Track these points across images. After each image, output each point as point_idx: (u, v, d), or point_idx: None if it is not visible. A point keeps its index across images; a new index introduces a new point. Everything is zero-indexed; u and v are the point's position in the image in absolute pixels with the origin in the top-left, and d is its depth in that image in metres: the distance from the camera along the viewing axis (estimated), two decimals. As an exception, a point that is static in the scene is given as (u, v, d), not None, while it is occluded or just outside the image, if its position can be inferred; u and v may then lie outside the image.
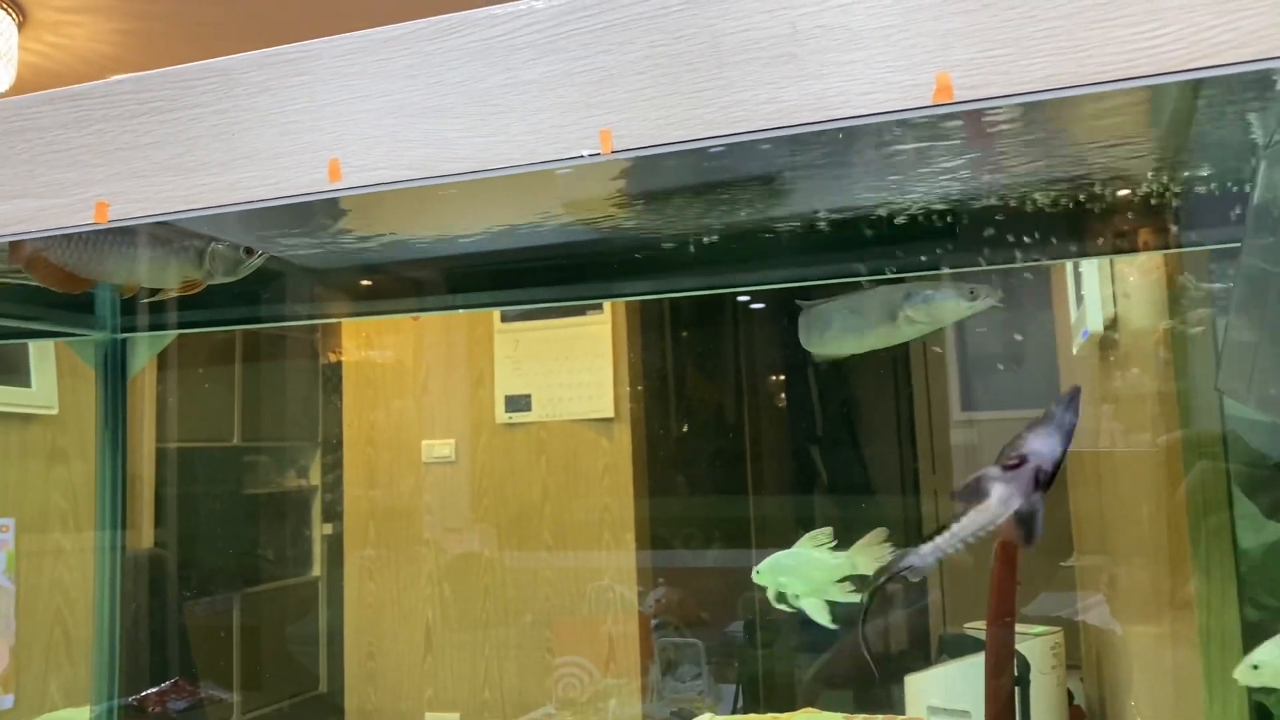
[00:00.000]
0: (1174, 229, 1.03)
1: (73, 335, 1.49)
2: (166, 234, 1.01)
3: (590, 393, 2.73)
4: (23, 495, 2.24)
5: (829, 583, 1.01)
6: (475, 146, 0.64)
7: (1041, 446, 0.77)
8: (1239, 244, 0.91)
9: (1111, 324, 1.47)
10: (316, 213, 0.95)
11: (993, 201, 1.00)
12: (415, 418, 2.89)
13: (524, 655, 2.73)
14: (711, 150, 0.61)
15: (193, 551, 3.63)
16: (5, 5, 2.76)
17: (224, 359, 3.94)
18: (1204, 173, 0.95)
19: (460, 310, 2.07)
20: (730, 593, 2.77)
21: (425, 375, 2.90)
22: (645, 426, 2.78)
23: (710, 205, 1.01)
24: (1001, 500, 0.77)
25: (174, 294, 1.06)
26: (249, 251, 1.05)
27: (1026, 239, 1.03)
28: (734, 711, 2.63)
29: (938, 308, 0.96)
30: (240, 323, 1.62)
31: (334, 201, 0.75)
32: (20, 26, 2.88)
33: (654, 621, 2.69)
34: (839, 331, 1.05)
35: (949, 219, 1.02)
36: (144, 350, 1.51)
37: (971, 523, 0.77)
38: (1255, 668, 0.78)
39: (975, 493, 0.78)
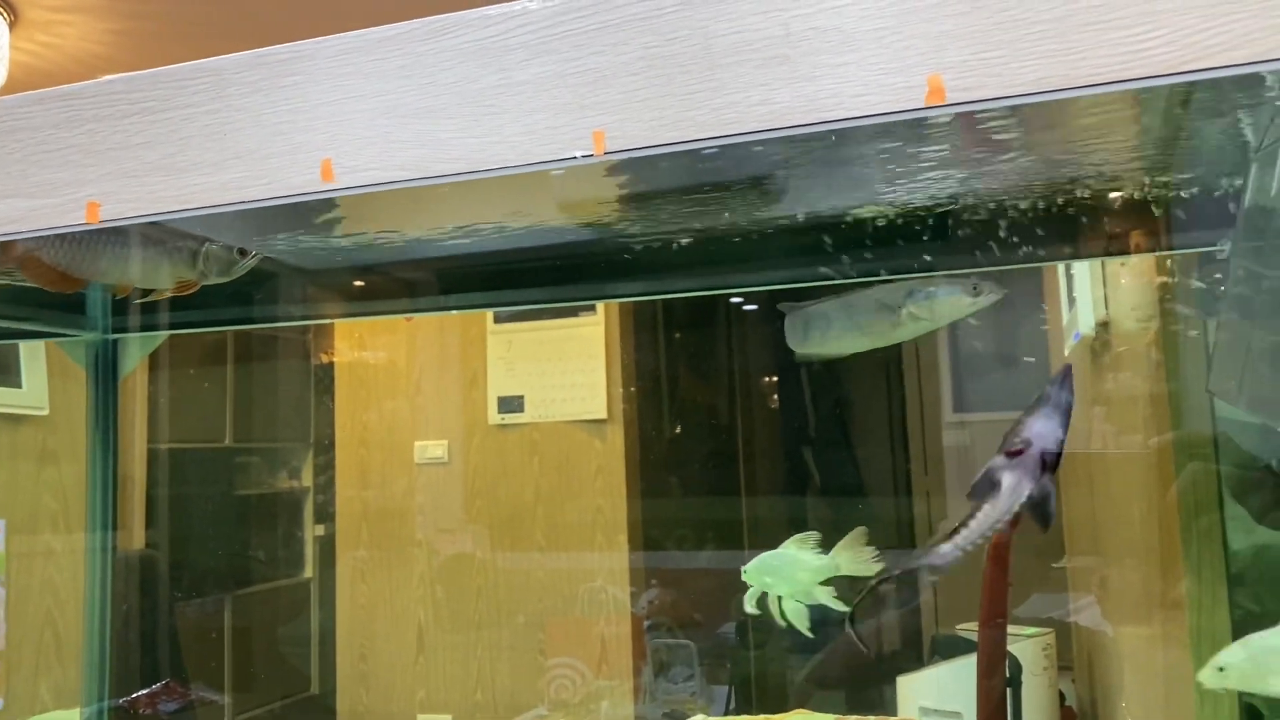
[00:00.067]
0: (1165, 231, 1.03)
1: (63, 336, 1.48)
2: (160, 234, 1.01)
3: (583, 394, 2.73)
4: (13, 496, 2.23)
5: (813, 584, 1.01)
6: (468, 147, 0.64)
7: (1043, 429, 0.78)
8: (1230, 246, 0.91)
9: (1103, 326, 1.47)
10: (310, 213, 0.95)
11: (983, 204, 1.00)
12: (408, 419, 2.89)
13: (516, 656, 2.73)
14: (704, 152, 0.61)
15: (184, 552, 3.62)
16: (-3, 4, 2.75)
17: (216, 359, 3.93)
18: (1195, 175, 0.95)
19: (453, 311, 2.07)
20: (723, 594, 2.77)
21: (418, 376, 2.89)
22: (638, 428, 2.78)
23: (703, 206, 1.01)
24: (1012, 488, 0.77)
25: (168, 294, 1.06)
26: (243, 252, 1.05)
27: (1017, 241, 1.03)
28: (726, 713, 2.63)
29: (941, 304, 0.96)
30: (232, 323, 1.62)
31: (328, 202, 0.74)
32: (11, 26, 2.87)
33: (646, 623, 2.69)
34: (837, 331, 1.04)
35: (939, 221, 1.02)
36: (135, 351, 1.51)
37: (987, 516, 0.77)
38: (1220, 670, 0.78)
39: (989, 486, 0.78)
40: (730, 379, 3.58)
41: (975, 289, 0.95)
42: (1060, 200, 0.99)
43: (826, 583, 1.02)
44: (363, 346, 3.00)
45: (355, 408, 2.95)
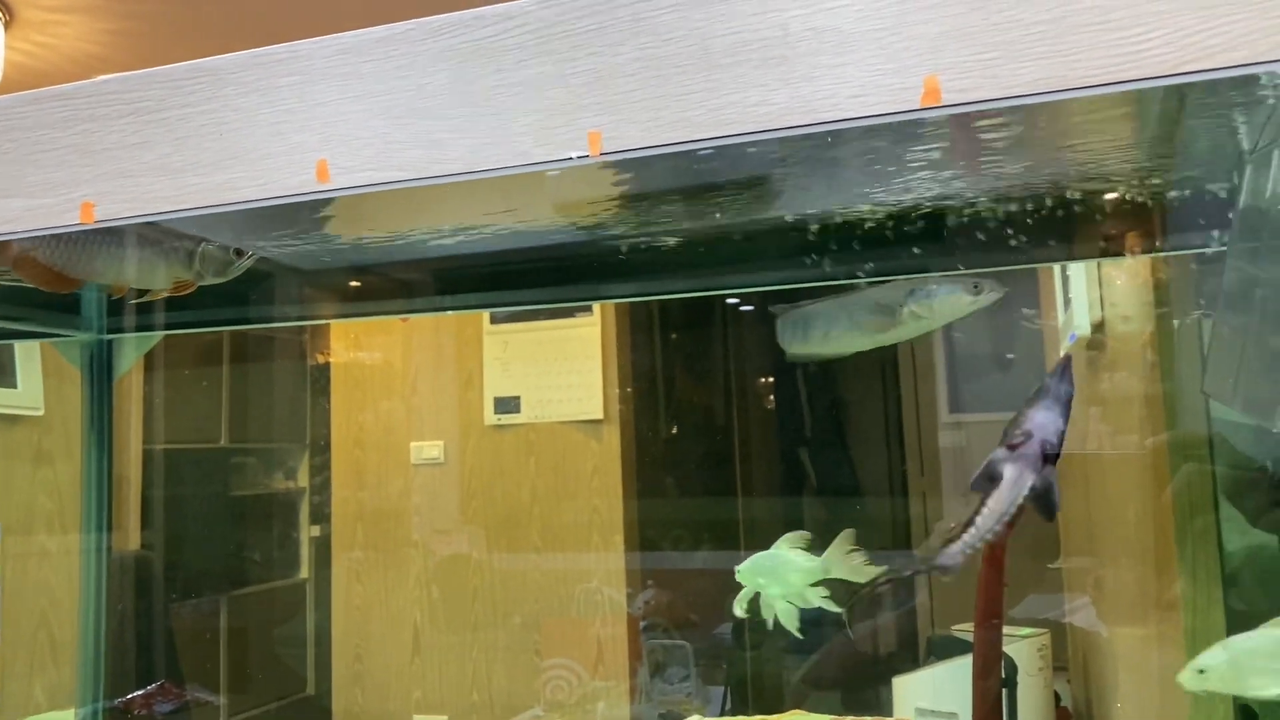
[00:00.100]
0: (1160, 233, 1.04)
1: (58, 336, 1.48)
2: (156, 235, 1.01)
3: (579, 394, 2.73)
4: (8, 497, 2.23)
5: (804, 586, 1.01)
6: (464, 148, 0.64)
7: (1044, 420, 0.78)
8: (1225, 248, 0.91)
9: (1099, 327, 1.47)
10: (308, 213, 0.94)
11: (977, 205, 1.00)
12: (404, 419, 2.89)
13: (512, 657, 2.73)
14: (701, 153, 0.61)
15: (180, 553, 3.61)
16: (-8, 4, 2.75)
17: (212, 360, 3.92)
18: (1191, 177, 0.95)
19: (449, 312, 2.07)
20: (719, 594, 2.77)
21: (414, 376, 2.89)
22: (634, 428, 2.78)
23: (700, 207, 1.01)
24: (1014, 481, 0.77)
25: (164, 295, 1.06)
26: (239, 253, 1.05)
27: (1012, 242, 1.03)
28: (722, 713, 2.63)
29: (942, 302, 0.96)
30: (227, 324, 1.61)
31: (323, 201, 0.74)
32: (7, 26, 2.87)
33: (642, 623, 2.69)
34: (834, 331, 1.04)
35: (933, 222, 1.03)
36: (130, 351, 1.50)
37: (992, 511, 0.77)
38: (1201, 672, 0.78)
39: (990, 479, 0.78)
40: (727, 380, 3.58)
41: (976, 287, 0.95)
42: (1054, 201, 1.00)
43: (820, 584, 1.02)
44: (359, 347, 3.00)
45: (351, 408, 2.95)
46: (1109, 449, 1.53)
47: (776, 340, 1.13)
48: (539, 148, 0.63)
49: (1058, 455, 0.77)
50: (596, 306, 2.65)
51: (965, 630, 1.52)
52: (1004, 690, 1.32)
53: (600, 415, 2.71)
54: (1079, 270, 1.44)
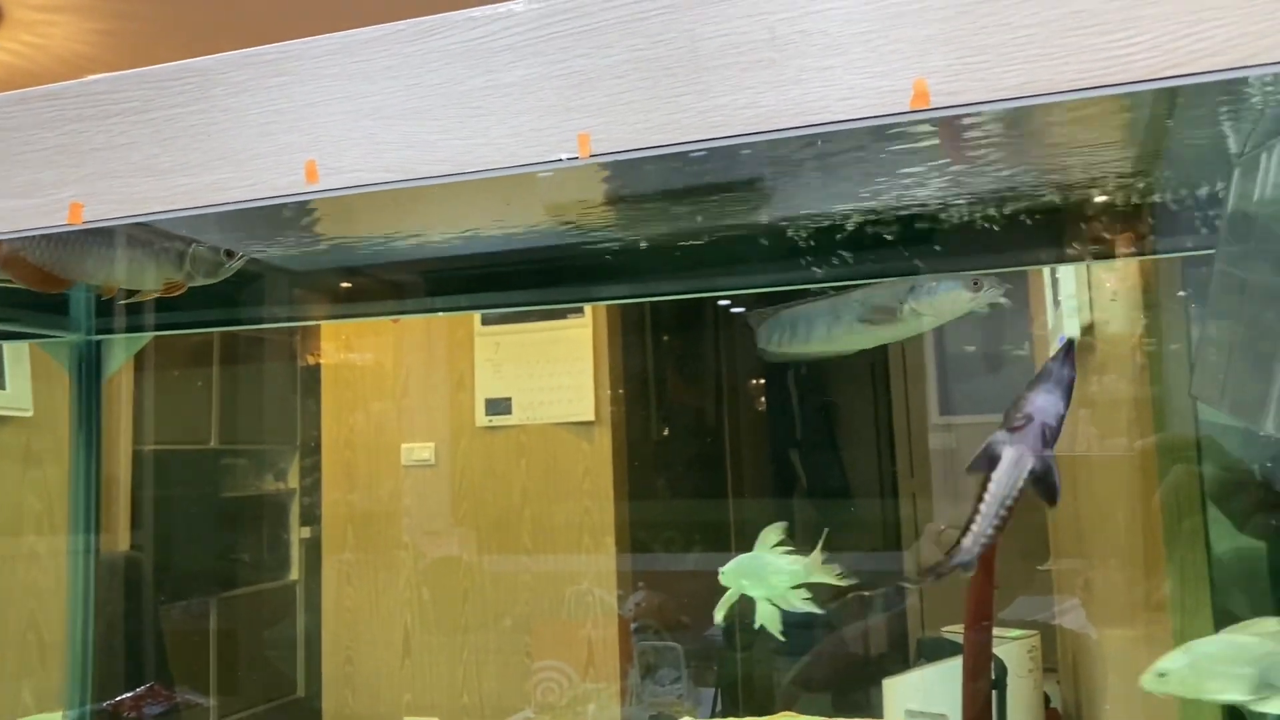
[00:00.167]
0: (1150, 236, 1.04)
1: (46, 337, 1.47)
2: (147, 235, 1.00)
3: (571, 396, 2.73)
4: (-4, 498, 2.22)
5: (786, 588, 1.01)
6: (454, 149, 0.64)
7: (1045, 403, 0.77)
8: (1213, 251, 0.92)
9: (1088, 329, 1.48)
10: (297, 214, 0.94)
11: (966, 208, 1.01)
12: (395, 421, 2.88)
13: (503, 659, 2.72)
14: (691, 155, 0.61)
15: (169, 555, 3.60)
16: (-19, 3, 2.74)
17: (202, 361, 3.92)
18: (1180, 180, 0.96)
19: (440, 313, 2.07)
20: (710, 596, 2.77)
21: (405, 378, 2.89)
22: (625, 430, 2.78)
23: (691, 209, 1.01)
24: (1014, 462, 0.77)
25: (154, 295, 1.05)
26: (229, 254, 1.05)
27: (1002, 244, 1.03)
28: (713, 715, 2.63)
29: (942, 300, 0.95)
30: (217, 325, 1.61)
31: (313, 202, 0.74)
32: (-4, 25, 2.86)
33: (633, 625, 2.69)
34: (840, 331, 1.04)
35: (923, 225, 1.03)
36: (119, 352, 1.50)
37: (995, 496, 0.77)
38: (1162, 675, 0.78)
39: (988, 460, 0.78)
40: (718, 382, 3.58)
41: (976, 285, 0.95)
42: (1044, 204, 1.00)
43: (798, 588, 1.02)
44: (349, 348, 3.00)
45: (342, 410, 2.94)
46: (1099, 450, 1.53)
47: (760, 344, 1.12)
48: (529, 149, 0.63)
49: (1056, 437, 0.77)
50: (588, 308, 2.65)
51: (955, 632, 1.52)
52: (994, 692, 1.32)
53: (591, 417, 2.71)
54: (1068, 273, 1.45)
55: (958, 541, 0.78)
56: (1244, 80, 0.55)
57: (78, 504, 1.48)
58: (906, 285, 0.97)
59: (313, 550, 3.56)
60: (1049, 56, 0.55)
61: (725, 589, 1.05)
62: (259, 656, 3.92)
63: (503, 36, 0.64)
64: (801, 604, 1.00)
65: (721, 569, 1.05)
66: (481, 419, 2.79)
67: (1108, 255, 1.07)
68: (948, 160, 0.85)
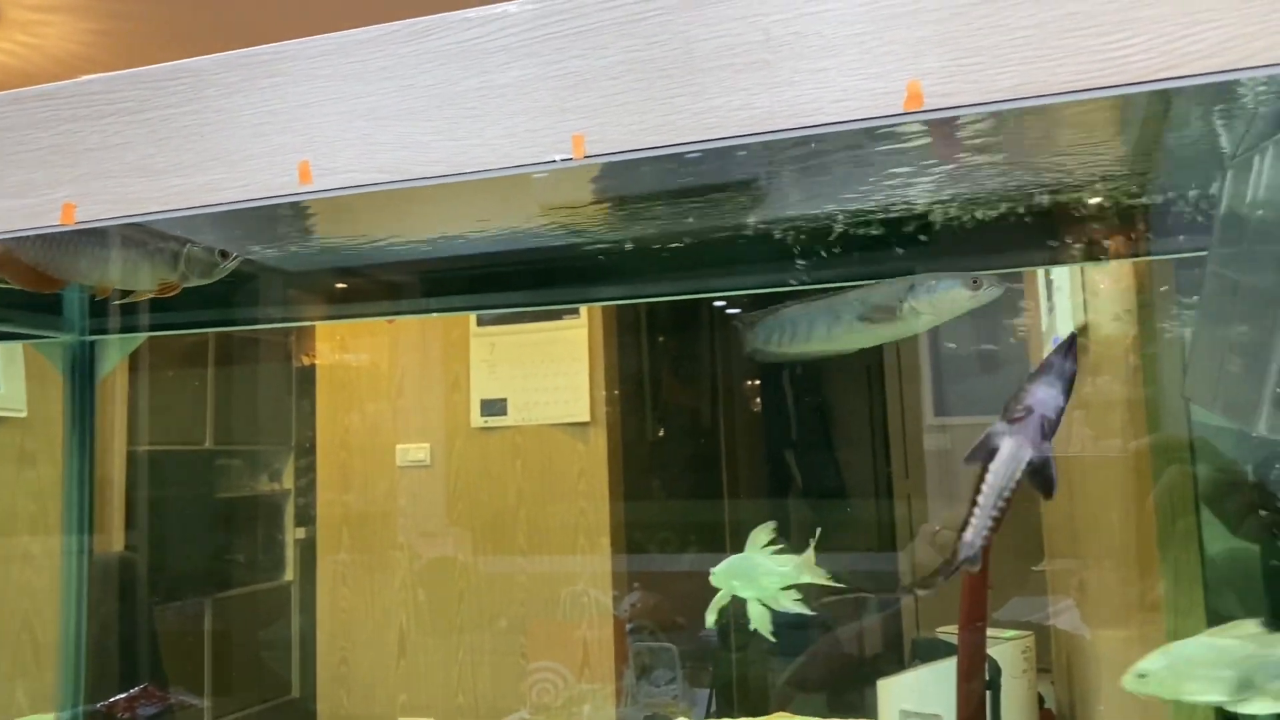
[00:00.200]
0: (1144, 237, 1.04)
1: (39, 338, 1.47)
2: (141, 236, 1.00)
3: (566, 397, 2.73)
4: (-10, 499, 2.22)
5: (777, 590, 1.01)
6: (448, 150, 0.64)
7: (1045, 396, 0.78)
8: (1206, 252, 0.92)
9: (1082, 330, 1.48)
10: (293, 214, 0.94)
11: (960, 209, 1.01)
12: (390, 421, 2.88)
13: (498, 660, 2.72)
14: (687, 156, 0.61)
15: (164, 555, 3.60)
16: (-25, 3, 2.73)
17: (197, 361, 3.91)
18: (1173, 181, 0.96)
19: (435, 313, 2.07)
20: (705, 597, 2.77)
21: (400, 378, 2.88)
22: (621, 431, 2.78)
23: (687, 210, 1.01)
24: (1012, 454, 0.77)
25: (149, 296, 1.05)
26: (224, 254, 1.04)
27: (994, 246, 1.03)
28: (707, 716, 2.63)
29: (941, 298, 0.95)
30: (211, 326, 1.61)
31: (308, 202, 0.74)
32: (-9, 25, 2.85)
33: (628, 626, 2.69)
34: (840, 330, 1.03)
35: (915, 226, 1.03)
36: (112, 353, 1.49)
37: (992, 487, 0.77)
38: (1142, 676, 0.79)
39: (986, 451, 0.78)
40: (713, 382, 3.58)
41: (975, 283, 0.95)
42: (1038, 205, 1.00)
43: (788, 589, 1.02)
44: (344, 349, 2.99)
45: (337, 410, 2.94)
46: (1093, 451, 1.53)
47: (755, 345, 1.12)
48: (523, 150, 0.63)
49: (1054, 430, 0.77)
50: (584, 309, 2.65)
51: (950, 633, 1.52)
52: (988, 692, 1.32)
53: (587, 418, 2.71)
54: (1062, 274, 1.45)
55: (959, 538, 0.78)
56: (1237, 82, 0.55)
57: (71, 505, 1.47)
58: (906, 283, 0.97)
59: (308, 551, 3.56)
60: (1043, 58, 0.55)
61: (718, 590, 1.05)
62: (254, 657, 3.92)
63: (497, 37, 0.64)
64: (792, 605, 1.00)
65: (712, 570, 1.05)
66: (477, 420, 2.79)
67: (1101, 256, 1.07)
68: (939, 161, 0.86)
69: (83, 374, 1.45)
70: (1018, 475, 0.77)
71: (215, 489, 4.04)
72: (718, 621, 1.05)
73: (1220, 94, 0.68)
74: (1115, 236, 1.05)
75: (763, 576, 1.00)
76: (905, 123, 0.58)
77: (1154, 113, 0.75)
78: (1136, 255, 1.09)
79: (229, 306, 1.33)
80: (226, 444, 4.04)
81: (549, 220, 1.03)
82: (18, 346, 2.05)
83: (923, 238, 1.04)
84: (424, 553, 2.82)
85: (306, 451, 3.64)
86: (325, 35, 0.68)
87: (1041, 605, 1.85)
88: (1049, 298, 1.60)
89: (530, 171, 0.63)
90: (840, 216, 1.04)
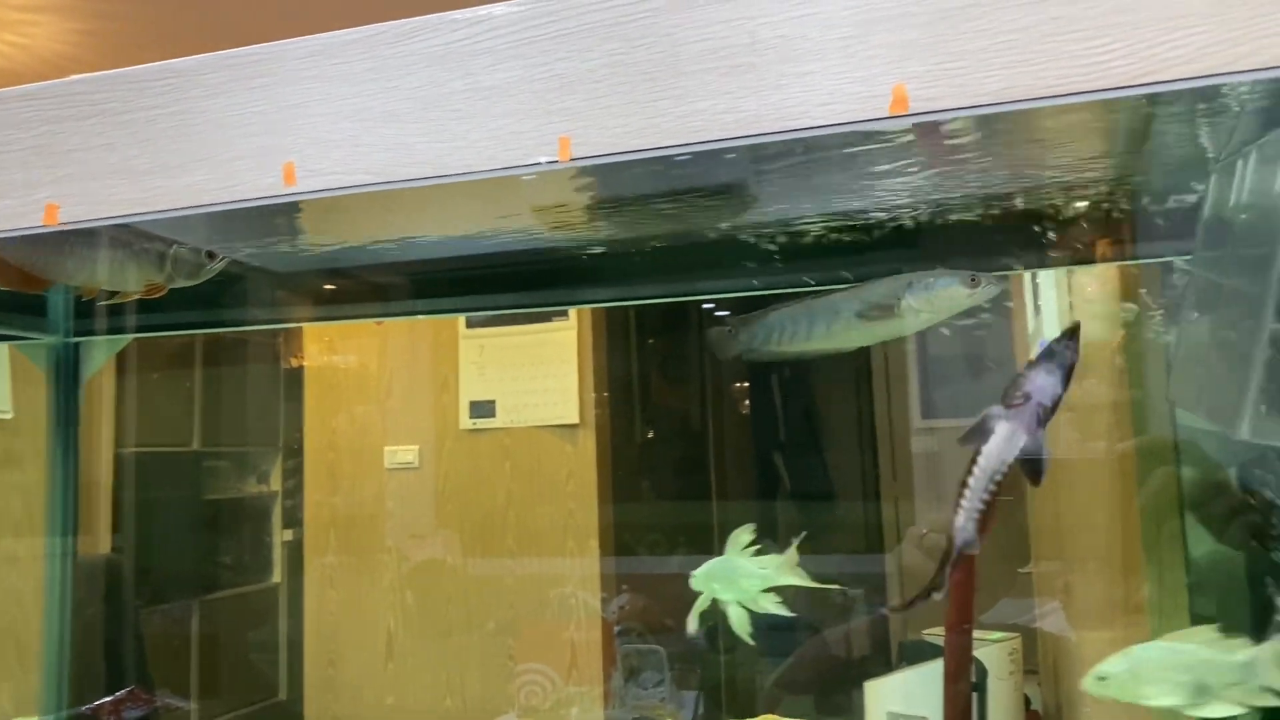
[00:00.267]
0: (1128, 241, 1.05)
1: (23, 339, 1.46)
2: (127, 236, 1.00)
3: (555, 399, 2.73)
4: (-25, 500, 2.20)
5: (756, 592, 1.01)
6: (434, 152, 0.64)
7: (1044, 383, 0.78)
8: (1190, 256, 0.92)
9: (1069, 333, 1.48)
10: (281, 216, 0.94)
11: (946, 212, 1.01)
12: (378, 423, 2.87)
13: (486, 662, 2.72)
14: (677, 158, 0.62)
15: (151, 557, 3.58)
16: (-39, 2, 2.72)
17: (184, 362, 3.90)
18: (1158, 186, 0.96)
19: (424, 315, 2.07)
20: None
21: (389, 380, 2.88)
22: (610, 433, 2.78)
23: (676, 212, 1.01)
24: (1007, 438, 0.77)
25: (135, 297, 1.05)
26: (211, 255, 1.04)
27: (981, 250, 1.04)
28: (696, 718, 2.63)
29: (939, 296, 0.95)
30: (197, 327, 1.60)
31: (294, 205, 0.74)
32: (-23, 24, 2.84)
33: (617, 628, 2.69)
34: (839, 329, 1.03)
35: (903, 229, 1.03)
36: (98, 354, 1.49)
37: (984, 470, 0.77)
38: (1102, 678, 0.79)
39: (981, 434, 0.78)
40: (702, 385, 3.59)
41: (973, 280, 0.94)
42: (1023, 209, 1.00)
43: (769, 591, 1.01)
44: (333, 350, 2.99)
45: (325, 412, 2.93)
46: (1079, 454, 1.54)
47: (750, 346, 1.12)
48: (508, 152, 0.63)
49: (1049, 417, 0.78)
50: (573, 311, 2.65)
51: (936, 635, 1.52)
52: (974, 694, 1.33)
53: (576, 420, 2.71)
54: (1048, 278, 1.45)
55: (951, 525, 0.78)
56: (1218, 87, 0.55)
57: (55, 507, 1.47)
58: (903, 281, 0.97)
59: (295, 553, 3.54)
60: (1027, 62, 0.56)
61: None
62: (241, 660, 3.91)
63: (483, 39, 0.64)
64: (772, 607, 1.00)
65: (693, 573, 1.05)
66: (465, 422, 2.79)
67: (1087, 260, 1.08)
68: (925, 162, 0.86)
69: (67, 376, 1.44)
70: (1010, 460, 0.77)
71: (202, 490, 4.03)
72: (704, 623, 1.05)
73: (1202, 99, 0.69)
74: (1099, 240, 1.05)
75: (743, 579, 1.00)
76: (891, 128, 0.58)
77: (1138, 117, 0.76)
78: (1122, 259, 1.10)
79: (216, 308, 1.32)
80: (214, 445, 4.02)
81: (538, 222, 1.03)
82: (3, 348, 2.04)
83: (905, 241, 1.04)
84: (412, 555, 2.82)
85: (294, 453, 3.63)
86: (311, 36, 0.68)
87: (1028, 607, 1.85)
88: (1035, 301, 1.60)
89: (516, 174, 0.63)
90: (819, 219, 1.04)
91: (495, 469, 2.77)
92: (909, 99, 0.57)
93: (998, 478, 0.77)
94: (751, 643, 1.00)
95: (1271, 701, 0.72)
